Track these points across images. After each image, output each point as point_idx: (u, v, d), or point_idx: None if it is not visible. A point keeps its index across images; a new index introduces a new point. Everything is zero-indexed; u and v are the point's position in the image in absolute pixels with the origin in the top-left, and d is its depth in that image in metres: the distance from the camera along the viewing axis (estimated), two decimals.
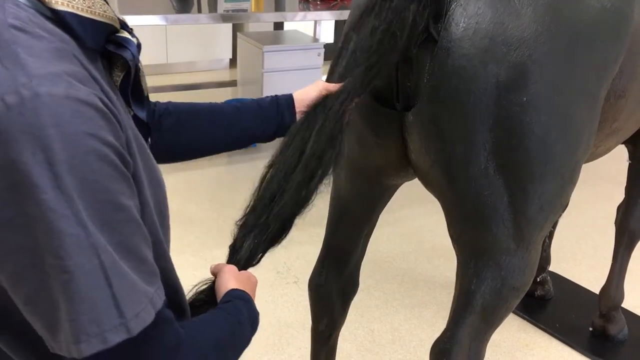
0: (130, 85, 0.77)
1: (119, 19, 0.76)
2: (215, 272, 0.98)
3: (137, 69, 0.79)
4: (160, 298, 0.68)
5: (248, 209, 1.09)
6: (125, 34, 0.75)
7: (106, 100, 0.64)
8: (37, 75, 0.58)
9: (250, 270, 1.04)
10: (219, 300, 0.90)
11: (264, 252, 1.06)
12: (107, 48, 0.73)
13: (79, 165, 0.59)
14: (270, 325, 2.34)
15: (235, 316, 0.84)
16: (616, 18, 1.21)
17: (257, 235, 1.05)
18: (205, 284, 1.00)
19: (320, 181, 1.09)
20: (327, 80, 1.18)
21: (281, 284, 2.61)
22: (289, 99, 1.16)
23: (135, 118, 0.81)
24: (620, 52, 1.24)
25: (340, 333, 1.77)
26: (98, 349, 0.61)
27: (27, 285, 0.61)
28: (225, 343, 0.80)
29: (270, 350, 2.22)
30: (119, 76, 0.75)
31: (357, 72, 1.13)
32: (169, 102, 1.09)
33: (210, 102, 1.15)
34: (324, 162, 1.09)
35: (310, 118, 1.12)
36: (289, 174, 1.08)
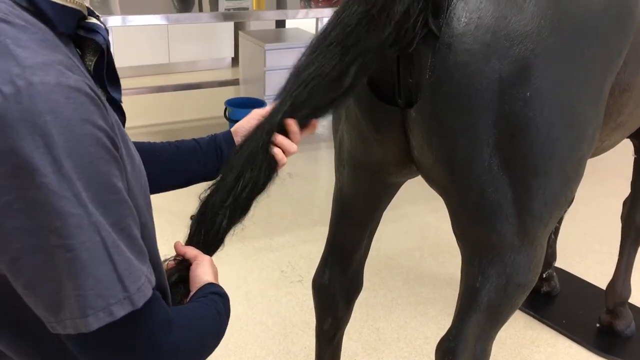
0: (105, 68, 0.78)
1: (86, 6, 0.78)
2: (190, 257, 1.01)
3: (109, 53, 0.81)
4: (152, 275, 0.71)
5: (213, 190, 1.11)
6: (94, 20, 0.78)
7: (92, 86, 0.67)
8: (29, 66, 0.61)
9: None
10: (193, 288, 0.94)
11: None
12: (78, 34, 0.75)
13: (76, 149, 0.61)
14: (275, 324, 2.33)
15: (216, 309, 0.88)
16: (620, 11, 1.20)
17: (225, 219, 1.07)
18: (172, 260, 1.02)
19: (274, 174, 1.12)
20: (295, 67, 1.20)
21: (285, 283, 2.60)
22: (226, 134, 1.19)
23: (111, 103, 0.83)
24: (625, 46, 1.23)
25: (346, 332, 1.76)
26: (105, 322, 0.64)
27: (28, 267, 0.63)
28: (208, 330, 0.84)
29: (275, 349, 2.21)
30: (91, 60, 0.77)
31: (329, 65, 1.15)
32: None
33: (152, 142, 1.15)
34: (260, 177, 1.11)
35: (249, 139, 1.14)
36: (251, 163, 1.10)
